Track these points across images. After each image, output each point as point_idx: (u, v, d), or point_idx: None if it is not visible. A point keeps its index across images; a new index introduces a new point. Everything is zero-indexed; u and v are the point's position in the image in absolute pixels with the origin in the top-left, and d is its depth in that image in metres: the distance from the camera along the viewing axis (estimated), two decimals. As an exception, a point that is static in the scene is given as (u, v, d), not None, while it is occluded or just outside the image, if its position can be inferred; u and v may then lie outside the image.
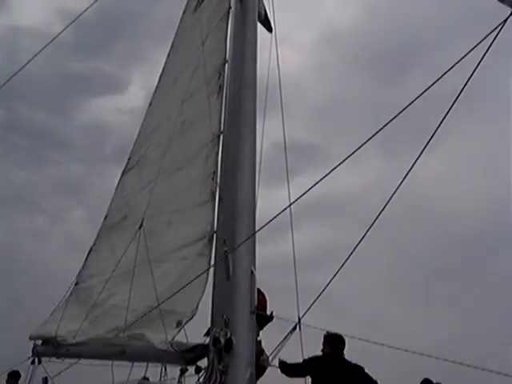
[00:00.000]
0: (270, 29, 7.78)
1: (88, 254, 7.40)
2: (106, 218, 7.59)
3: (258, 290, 5.40)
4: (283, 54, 7.27)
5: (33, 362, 6.83)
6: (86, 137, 25.47)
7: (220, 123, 6.08)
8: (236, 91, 6.06)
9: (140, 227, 6.27)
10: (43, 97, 24.23)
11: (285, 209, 4.45)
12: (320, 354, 5.58)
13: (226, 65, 6.49)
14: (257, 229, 5.10)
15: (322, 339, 5.49)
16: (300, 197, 4.26)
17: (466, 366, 4.39)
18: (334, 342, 5.42)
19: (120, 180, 7.85)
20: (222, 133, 6.00)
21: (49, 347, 6.80)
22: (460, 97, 3.51)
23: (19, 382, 7.46)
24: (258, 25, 6.80)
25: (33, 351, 6.90)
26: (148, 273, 5.73)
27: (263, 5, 7.36)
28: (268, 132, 6.49)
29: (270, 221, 4.33)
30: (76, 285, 7.18)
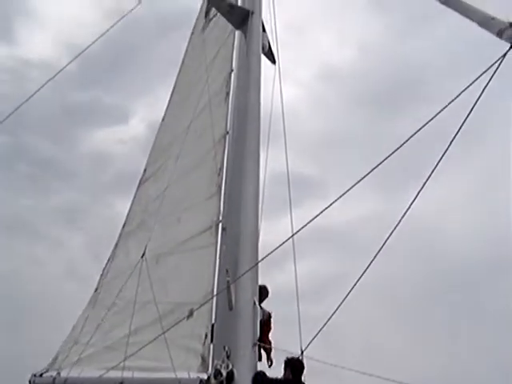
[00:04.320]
0: (273, 61, 7.98)
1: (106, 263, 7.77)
2: (124, 226, 7.99)
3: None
4: (283, 87, 7.44)
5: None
6: (88, 166, 25.91)
7: (226, 125, 6.62)
8: (241, 118, 6.19)
9: (143, 256, 6.40)
10: (48, 127, 24.78)
11: (287, 239, 4.46)
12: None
13: (233, 74, 7.04)
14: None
15: (283, 364, 5.41)
16: (301, 229, 4.28)
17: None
18: (294, 367, 5.23)
19: (136, 191, 8.26)
20: (227, 133, 6.49)
21: (47, 378, 6.78)
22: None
23: None
24: (262, 57, 7.00)
25: (29, 382, 6.87)
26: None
27: (267, 38, 7.57)
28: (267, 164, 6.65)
29: (273, 251, 4.33)
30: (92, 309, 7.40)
